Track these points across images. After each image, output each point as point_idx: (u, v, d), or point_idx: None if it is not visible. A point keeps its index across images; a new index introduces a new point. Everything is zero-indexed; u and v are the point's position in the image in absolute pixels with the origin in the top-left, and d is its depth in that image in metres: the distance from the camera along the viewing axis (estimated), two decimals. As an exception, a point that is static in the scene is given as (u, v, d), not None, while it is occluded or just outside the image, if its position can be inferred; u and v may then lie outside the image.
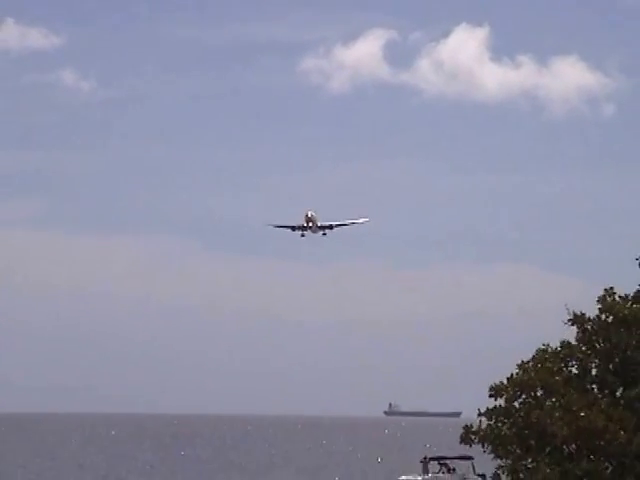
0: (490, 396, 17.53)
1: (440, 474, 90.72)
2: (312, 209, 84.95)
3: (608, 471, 15.13)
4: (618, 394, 16.66)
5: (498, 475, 17.10)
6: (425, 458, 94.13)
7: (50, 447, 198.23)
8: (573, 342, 19.78)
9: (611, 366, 17.34)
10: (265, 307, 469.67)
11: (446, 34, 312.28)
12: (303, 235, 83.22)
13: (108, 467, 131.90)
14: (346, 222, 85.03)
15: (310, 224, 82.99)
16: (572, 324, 17.33)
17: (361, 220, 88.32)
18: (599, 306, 17.74)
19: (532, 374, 17.01)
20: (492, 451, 18.58)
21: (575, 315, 16.59)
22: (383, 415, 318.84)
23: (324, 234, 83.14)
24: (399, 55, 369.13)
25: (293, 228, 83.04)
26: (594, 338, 17.24)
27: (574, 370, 17.43)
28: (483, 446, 18.33)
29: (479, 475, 61.61)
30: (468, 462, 74.56)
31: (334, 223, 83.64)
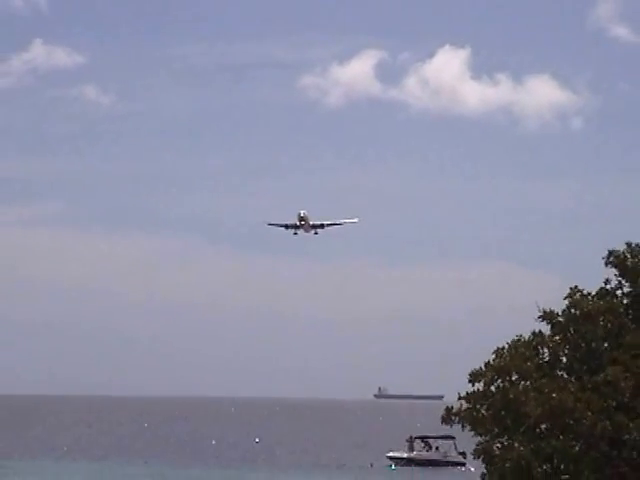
0: (469, 381, 19.16)
1: (424, 452, 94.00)
2: (305, 209, 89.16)
3: (576, 448, 16.68)
4: (585, 380, 18.22)
5: (470, 453, 18.80)
6: (411, 437, 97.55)
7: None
8: (546, 333, 21.37)
9: (578, 355, 19.01)
10: (264, 302, 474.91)
11: (431, 55, 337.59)
12: (296, 233, 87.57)
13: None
14: (337, 222, 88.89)
15: (303, 223, 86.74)
16: (542, 320, 19.01)
17: (350, 220, 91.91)
18: (566, 302, 19.48)
19: (507, 360, 18.68)
20: (471, 430, 20.18)
21: (544, 312, 18.33)
22: (373, 398, 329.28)
23: (316, 233, 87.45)
24: (389, 73, 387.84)
25: (287, 227, 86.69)
26: (564, 330, 18.93)
27: (546, 357, 19.11)
28: (463, 426, 20.01)
29: (460, 453, 63.99)
30: (450, 441, 77.42)
31: (325, 222, 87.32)
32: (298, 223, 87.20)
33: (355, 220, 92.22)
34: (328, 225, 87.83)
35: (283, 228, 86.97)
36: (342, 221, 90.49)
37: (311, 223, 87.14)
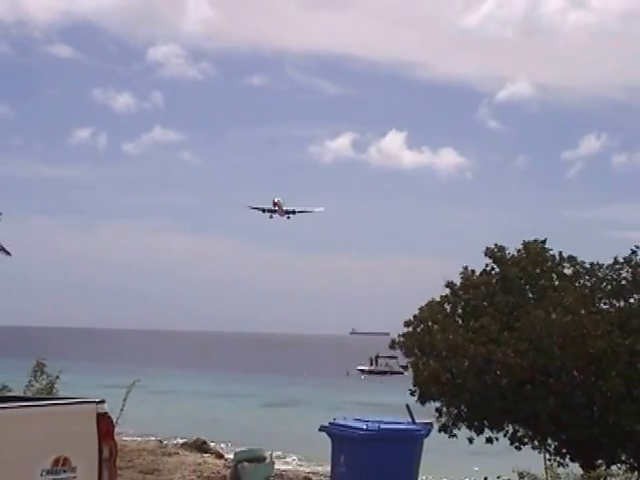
0: (404, 325, 24.90)
1: (380, 366, 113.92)
2: (280, 197, 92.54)
3: (465, 365, 22.64)
4: (470, 325, 24.15)
5: (407, 367, 25.47)
6: (371, 357, 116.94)
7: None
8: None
9: (467, 309, 24.80)
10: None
11: (384, 135, 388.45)
12: (272, 217, 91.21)
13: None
14: (307, 209, 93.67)
15: (277, 208, 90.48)
16: (447, 287, 24.66)
17: (317, 209, 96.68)
18: (461, 277, 24.85)
19: (425, 313, 24.58)
20: (405, 354, 26.06)
21: (448, 282, 24.16)
22: (349, 335, 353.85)
23: (288, 217, 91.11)
24: (359, 145, 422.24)
25: (264, 210, 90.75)
26: (459, 294, 24.95)
27: (448, 311, 24.86)
28: (400, 350, 25.72)
29: (401, 366, 77.71)
30: (395, 360, 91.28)
31: (296, 209, 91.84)
32: (273, 208, 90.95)
33: (321, 209, 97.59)
34: (299, 212, 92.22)
35: (261, 212, 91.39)
36: (312, 209, 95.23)
37: (284, 209, 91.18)
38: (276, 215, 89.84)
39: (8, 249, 24.07)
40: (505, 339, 22.49)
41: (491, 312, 24.45)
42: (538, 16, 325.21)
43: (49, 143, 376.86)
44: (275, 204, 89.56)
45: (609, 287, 23.15)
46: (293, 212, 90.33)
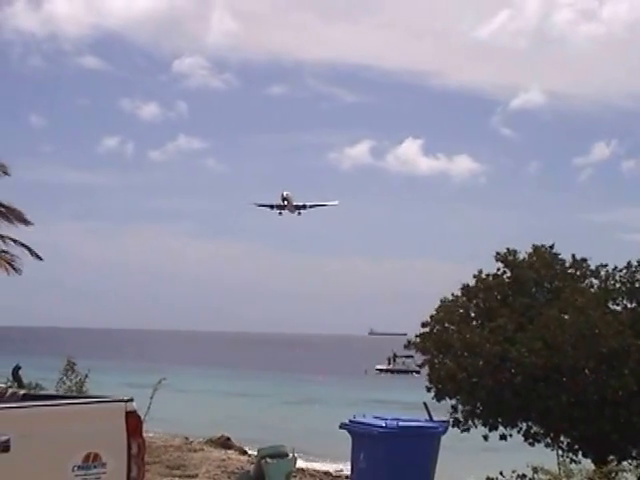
0: (421, 326, 24.75)
1: (397, 365, 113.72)
2: (288, 190, 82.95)
3: (480, 363, 22.48)
4: (485, 325, 23.98)
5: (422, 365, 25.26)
6: (395, 355, 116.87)
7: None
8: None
9: (482, 311, 24.61)
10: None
11: (401, 142, 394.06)
12: (281, 213, 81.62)
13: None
14: (318, 203, 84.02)
15: (286, 203, 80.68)
16: (462, 289, 24.55)
17: (332, 202, 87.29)
18: (474, 280, 24.72)
19: (441, 314, 24.43)
20: (421, 353, 25.89)
21: (463, 285, 24.01)
22: (367, 335, 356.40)
23: (299, 213, 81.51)
24: (377, 152, 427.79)
25: (272, 207, 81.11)
26: (473, 295, 24.77)
27: (462, 312, 24.64)
28: (416, 351, 25.49)
29: (417, 365, 77.51)
30: (411, 359, 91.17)
31: (308, 203, 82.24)
32: (282, 203, 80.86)
33: (336, 202, 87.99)
34: (311, 206, 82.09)
35: (269, 208, 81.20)
36: (324, 203, 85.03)
37: (294, 204, 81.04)
38: (286, 211, 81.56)
39: (39, 254, 24.32)
40: (520, 338, 22.55)
41: (507, 313, 24.40)
42: (549, 27, 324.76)
43: (78, 151, 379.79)
44: (284, 198, 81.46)
45: (623, 289, 23.22)
46: (304, 207, 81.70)
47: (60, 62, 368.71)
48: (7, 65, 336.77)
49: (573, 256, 24.17)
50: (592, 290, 23.45)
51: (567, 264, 24.09)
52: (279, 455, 16.73)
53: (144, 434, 8.38)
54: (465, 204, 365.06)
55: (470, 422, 23.03)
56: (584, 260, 23.95)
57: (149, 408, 19.93)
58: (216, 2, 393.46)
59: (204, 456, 23.96)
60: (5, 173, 23.57)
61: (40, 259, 24.41)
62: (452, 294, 26.85)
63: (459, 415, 23.10)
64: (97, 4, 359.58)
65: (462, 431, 23.03)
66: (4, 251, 24.36)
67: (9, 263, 24.16)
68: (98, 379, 24.53)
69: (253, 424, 52.65)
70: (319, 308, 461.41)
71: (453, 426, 22.37)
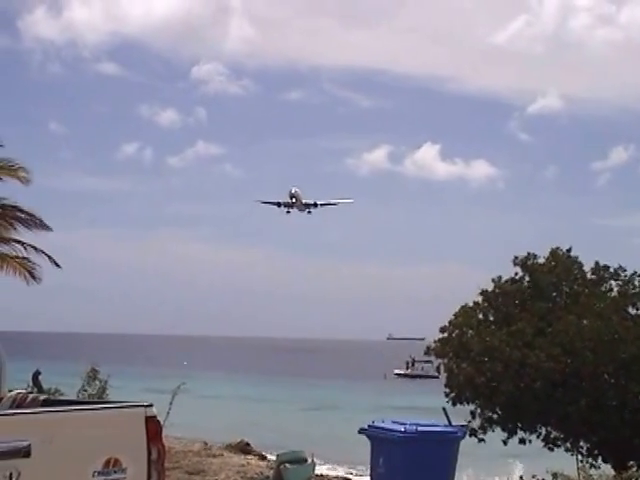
0: (440, 331, 24.89)
1: (416, 370, 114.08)
2: (296, 187, 75.48)
3: (499, 369, 22.63)
4: (504, 330, 24.09)
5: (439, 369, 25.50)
6: (407, 362, 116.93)
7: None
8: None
9: (501, 315, 24.73)
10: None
11: (419, 147, 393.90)
12: (289, 212, 74.33)
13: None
14: (331, 201, 76.43)
15: (294, 200, 73.22)
16: (480, 294, 24.72)
17: (346, 200, 79.52)
18: (492, 284, 24.91)
19: (460, 319, 24.59)
20: (439, 358, 26.15)
21: (482, 290, 24.16)
22: (386, 340, 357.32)
23: (309, 212, 73.89)
24: (395, 158, 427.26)
25: (279, 204, 74.05)
26: (492, 299, 24.91)
27: (481, 317, 24.82)
28: (435, 356, 25.65)
29: (436, 370, 77.43)
30: (430, 364, 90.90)
31: (319, 202, 74.58)
32: (290, 201, 73.30)
33: (351, 200, 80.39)
34: (322, 205, 74.25)
35: (276, 206, 74.19)
36: (337, 201, 76.99)
37: (304, 202, 73.32)
38: (294, 210, 73.94)
39: (57, 261, 24.34)
40: (539, 343, 22.47)
41: (526, 317, 24.37)
42: (567, 32, 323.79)
43: (97, 157, 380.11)
44: (292, 196, 73.81)
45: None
46: (315, 205, 73.89)
47: (79, 69, 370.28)
48: (27, 72, 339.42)
49: (597, 263, 24.12)
50: (611, 295, 23.36)
51: (587, 269, 24.03)
52: (298, 460, 16.71)
53: (163, 439, 8.38)
54: (483, 209, 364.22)
55: (488, 429, 22.96)
56: (606, 268, 23.90)
57: (168, 413, 19.93)
58: (234, 9, 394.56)
59: (223, 461, 23.93)
60: (26, 180, 23.62)
61: (58, 266, 24.42)
62: (474, 302, 26.68)
63: (475, 423, 23.01)
64: (116, 11, 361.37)
65: (479, 441, 22.96)
66: (25, 258, 24.38)
67: (29, 272, 24.18)
68: (117, 384, 24.57)
69: (272, 429, 52.59)
70: (336, 313, 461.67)
71: (470, 436, 22.36)
